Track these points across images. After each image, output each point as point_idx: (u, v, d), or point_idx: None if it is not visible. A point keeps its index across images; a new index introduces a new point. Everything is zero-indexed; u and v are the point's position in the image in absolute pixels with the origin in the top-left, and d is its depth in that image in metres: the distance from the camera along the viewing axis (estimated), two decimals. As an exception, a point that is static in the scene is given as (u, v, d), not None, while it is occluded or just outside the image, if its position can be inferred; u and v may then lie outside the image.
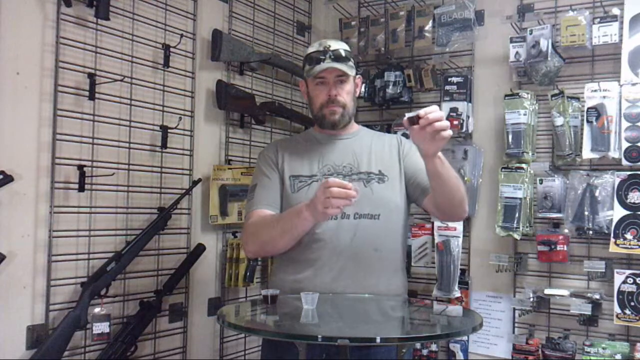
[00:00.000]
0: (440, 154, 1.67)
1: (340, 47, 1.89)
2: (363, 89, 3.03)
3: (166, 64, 2.45)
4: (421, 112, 1.56)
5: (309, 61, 1.91)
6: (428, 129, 1.55)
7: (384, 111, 3.12)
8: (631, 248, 2.36)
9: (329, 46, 1.87)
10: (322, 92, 1.90)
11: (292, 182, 1.90)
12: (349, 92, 1.91)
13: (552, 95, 2.60)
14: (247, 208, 1.96)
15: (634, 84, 2.42)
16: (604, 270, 2.46)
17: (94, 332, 2.14)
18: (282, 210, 1.89)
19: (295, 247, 1.83)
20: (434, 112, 1.57)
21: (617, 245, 2.39)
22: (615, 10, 2.47)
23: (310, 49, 1.92)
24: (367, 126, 3.06)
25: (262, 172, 1.97)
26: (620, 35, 2.46)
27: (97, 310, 2.16)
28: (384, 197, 1.87)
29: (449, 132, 1.58)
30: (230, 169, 2.71)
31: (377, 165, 1.91)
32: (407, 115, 1.58)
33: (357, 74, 1.99)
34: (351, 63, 1.91)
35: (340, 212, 1.66)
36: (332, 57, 1.85)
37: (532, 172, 2.65)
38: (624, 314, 2.38)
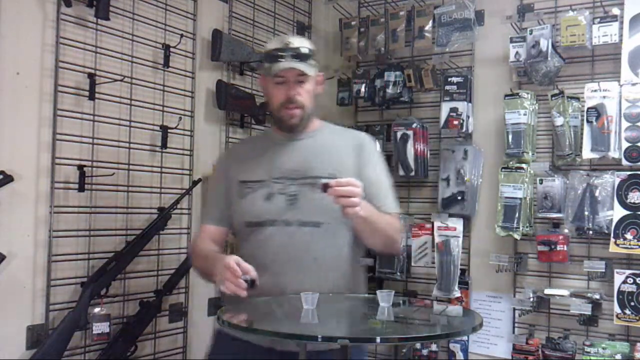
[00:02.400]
0: (363, 212, 1.62)
1: (302, 44, 1.80)
2: (363, 89, 3.04)
3: (166, 64, 2.46)
4: (332, 182, 1.55)
5: (269, 58, 1.80)
6: (334, 200, 1.55)
7: (384, 111, 3.12)
8: (631, 248, 2.36)
9: (290, 43, 1.78)
10: (281, 91, 1.80)
11: (239, 188, 1.83)
12: (308, 92, 1.82)
13: (552, 95, 2.60)
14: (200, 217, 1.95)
15: (634, 84, 2.42)
16: (604, 270, 2.46)
17: (94, 332, 2.14)
18: (236, 217, 1.84)
19: (242, 254, 1.77)
20: (345, 188, 1.55)
21: (617, 245, 2.39)
22: (615, 10, 2.47)
23: (270, 45, 1.83)
24: (367, 126, 3.11)
25: (215, 180, 1.95)
26: (620, 35, 2.46)
27: (97, 310, 2.16)
28: (329, 204, 1.69)
29: (355, 210, 1.56)
30: (230, 169, 2.71)
31: (329, 168, 1.79)
32: (322, 181, 1.58)
33: (319, 70, 1.89)
34: (312, 61, 1.82)
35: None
36: (293, 55, 1.76)
37: (532, 172, 2.65)
38: (624, 314, 2.38)
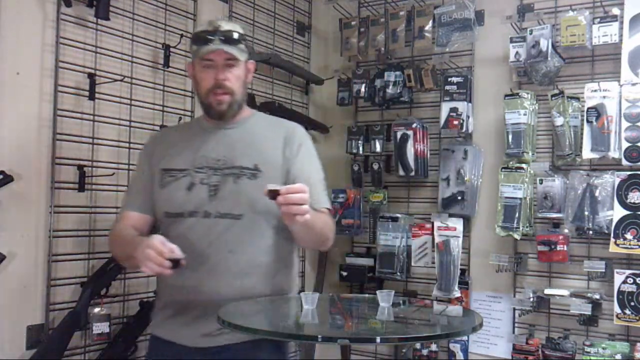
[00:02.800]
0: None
1: (232, 28, 1.74)
2: (363, 89, 3.04)
3: (166, 64, 2.45)
4: (282, 189, 1.47)
5: (197, 41, 1.73)
6: (283, 208, 1.47)
7: (384, 111, 3.12)
8: (631, 248, 2.36)
9: (219, 26, 1.72)
10: (209, 75, 1.73)
11: (161, 177, 1.77)
12: (238, 78, 1.75)
13: (552, 95, 2.60)
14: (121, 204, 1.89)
15: (634, 84, 2.42)
16: (604, 270, 2.46)
17: (94, 332, 2.14)
18: (156, 207, 1.78)
19: None
20: (295, 195, 1.47)
21: (617, 245, 2.39)
22: (615, 10, 2.47)
23: (199, 28, 1.78)
24: (367, 126, 3.11)
25: (138, 166, 1.88)
26: (620, 35, 2.46)
27: (97, 310, 2.16)
28: (251, 195, 1.69)
29: (305, 218, 1.49)
30: (230, 169, 2.71)
31: (254, 159, 1.74)
32: (269, 186, 1.49)
33: (250, 58, 1.82)
34: (243, 46, 1.75)
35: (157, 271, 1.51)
36: (222, 38, 1.70)
37: (532, 172, 2.65)
38: (624, 314, 2.38)
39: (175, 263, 1.50)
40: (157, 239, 1.52)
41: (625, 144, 2.41)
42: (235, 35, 1.73)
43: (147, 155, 1.85)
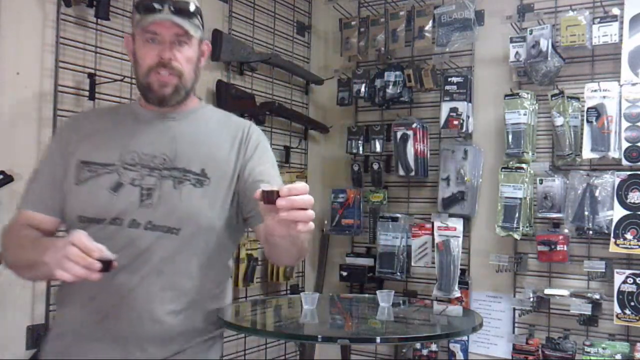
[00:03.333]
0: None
1: None
2: (363, 89, 3.04)
3: (166, 64, 2.45)
4: (283, 189, 1.12)
5: (141, 9, 1.40)
6: (284, 214, 1.11)
7: (384, 111, 3.12)
8: (631, 248, 2.36)
9: None
10: (153, 51, 1.39)
11: (78, 171, 1.41)
12: (189, 60, 1.43)
13: (552, 95, 2.60)
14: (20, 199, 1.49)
15: (634, 84, 2.42)
16: (604, 270, 2.46)
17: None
18: (67, 207, 1.42)
19: None
20: (300, 197, 1.11)
21: (617, 245, 2.39)
22: (615, 10, 2.47)
23: None
24: (367, 126, 3.11)
25: (46, 156, 1.50)
26: (620, 35, 2.46)
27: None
28: (194, 207, 1.39)
29: (310, 227, 1.14)
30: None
31: (202, 162, 1.43)
32: (263, 187, 1.16)
33: (204, 38, 1.53)
34: (198, 22, 1.46)
35: (77, 279, 1.15)
36: (173, 9, 1.38)
37: (532, 172, 2.65)
38: (624, 314, 2.38)
39: (106, 265, 1.17)
40: (81, 234, 1.17)
41: (625, 144, 2.41)
42: (191, 7, 1.42)
43: (61, 142, 1.48)
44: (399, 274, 2.91)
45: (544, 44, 2.55)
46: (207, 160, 1.43)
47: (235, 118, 1.60)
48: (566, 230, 2.56)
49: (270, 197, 1.13)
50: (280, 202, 1.11)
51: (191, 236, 1.39)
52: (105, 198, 1.38)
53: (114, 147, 1.42)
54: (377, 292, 1.70)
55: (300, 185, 1.12)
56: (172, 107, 1.46)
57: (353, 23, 3.13)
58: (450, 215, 2.81)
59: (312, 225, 1.14)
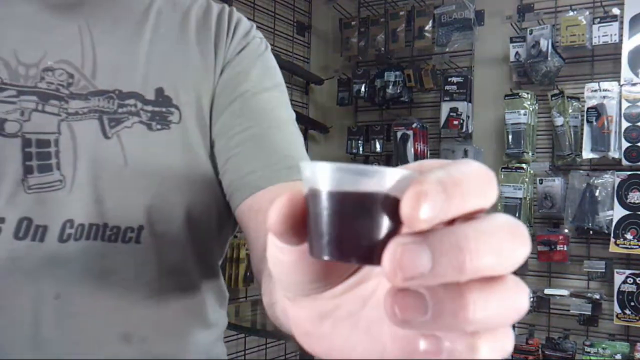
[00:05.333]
0: None
1: None
2: (363, 89, 3.03)
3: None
4: (411, 191, 0.29)
5: None
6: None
7: (384, 111, 3.12)
8: (631, 248, 2.36)
9: None
10: None
11: None
12: None
13: (552, 95, 2.60)
14: None
15: (634, 84, 2.42)
16: (604, 270, 2.46)
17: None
18: None
19: None
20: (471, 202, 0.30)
21: (617, 245, 2.39)
22: (615, 10, 2.47)
23: None
24: (367, 126, 3.12)
25: None
26: (620, 35, 2.46)
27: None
28: (159, 166, 0.71)
29: (507, 350, 0.32)
30: (230, 169, 2.70)
31: (157, 78, 0.74)
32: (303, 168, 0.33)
33: None
34: None
35: None
36: None
37: (532, 172, 2.65)
38: (624, 314, 2.38)
39: None
40: None
41: (625, 144, 2.41)
42: None
43: None
44: (399, 274, 2.91)
45: (544, 44, 2.55)
46: (168, 72, 0.76)
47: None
48: (566, 230, 2.56)
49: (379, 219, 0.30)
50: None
51: (154, 232, 0.76)
52: None
53: None
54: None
55: (477, 167, 0.30)
56: None
57: (353, 23, 3.13)
58: (450, 215, 2.81)
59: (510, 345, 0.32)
